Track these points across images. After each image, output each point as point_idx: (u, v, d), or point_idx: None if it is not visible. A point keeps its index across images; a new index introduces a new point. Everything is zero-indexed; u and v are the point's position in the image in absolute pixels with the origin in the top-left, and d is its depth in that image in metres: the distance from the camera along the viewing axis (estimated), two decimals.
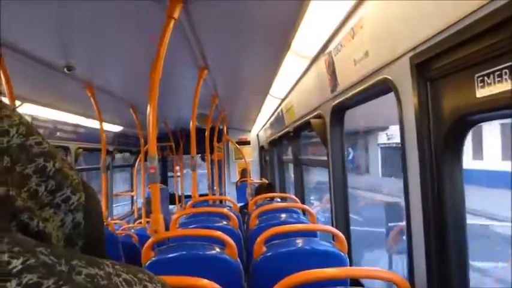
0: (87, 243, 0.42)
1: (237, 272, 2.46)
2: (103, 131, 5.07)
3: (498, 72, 1.18)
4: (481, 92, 1.26)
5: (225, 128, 8.48)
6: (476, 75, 1.27)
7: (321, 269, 1.85)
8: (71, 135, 5.85)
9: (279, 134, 6.45)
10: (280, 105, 5.63)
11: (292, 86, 4.31)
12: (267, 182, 7.07)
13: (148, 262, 2.40)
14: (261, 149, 10.20)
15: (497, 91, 1.19)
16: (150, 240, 2.46)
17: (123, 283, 0.34)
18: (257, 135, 10.41)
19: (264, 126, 8.56)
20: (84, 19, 2.51)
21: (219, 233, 2.58)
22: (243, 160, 8.40)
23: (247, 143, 10.45)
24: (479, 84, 1.27)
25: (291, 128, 5.15)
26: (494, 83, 1.20)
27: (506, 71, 1.15)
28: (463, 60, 1.32)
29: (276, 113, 6.30)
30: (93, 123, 5.70)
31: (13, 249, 0.30)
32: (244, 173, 8.99)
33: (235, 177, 10.30)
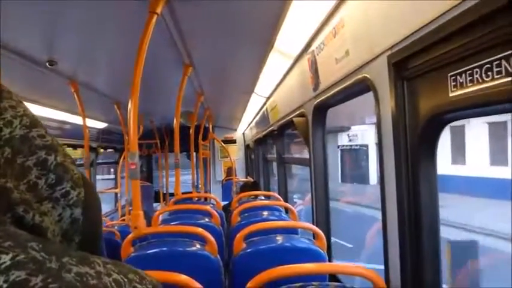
0: (84, 240, 0.41)
1: (217, 268, 2.47)
2: (86, 127, 5.02)
3: (470, 72, 1.20)
4: (454, 91, 1.29)
5: (210, 126, 8.46)
6: (449, 74, 1.30)
7: (298, 265, 1.87)
8: (55, 132, 5.78)
9: (264, 133, 6.46)
10: (265, 103, 5.65)
11: (276, 84, 4.32)
12: (252, 180, 7.08)
13: (128, 258, 2.39)
14: (247, 147, 10.21)
15: (469, 90, 1.21)
16: (129, 236, 2.46)
17: (113, 283, 0.34)
18: (243, 133, 10.41)
19: (249, 124, 8.57)
20: (67, 13, 2.49)
21: (199, 230, 2.58)
22: (229, 159, 8.40)
23: (233, 141, 10.45)
24: (452, 84, 1.29)
25: (275, 127, 5.17)
26: (466, 82, 1.22)
27: (477, 70, 1.17)
28: (436, 59, 1.35)
29: (261, 112, 6.31)
30: (77, 120, 5.65)
31: (4, 244, 0.30)
32: (230, 171, 8.99)
33: (221, 175, 10.29)
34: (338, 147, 19.66)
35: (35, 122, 0.39)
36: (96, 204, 0.44)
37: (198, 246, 2.54)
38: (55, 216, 0.38)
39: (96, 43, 3.21)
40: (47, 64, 3.41)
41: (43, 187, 0.38)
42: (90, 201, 0.42)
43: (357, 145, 20.04)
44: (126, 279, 0.35)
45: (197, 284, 1.81)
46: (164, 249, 2.54)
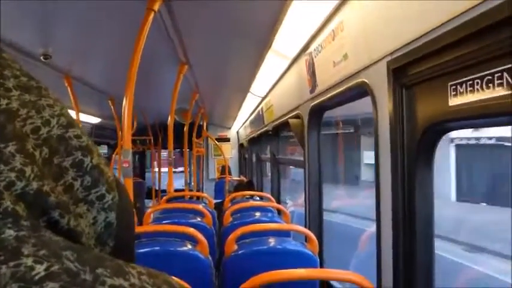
0: (118, 245, 0.40)
1: (208, 269, 2.46)
2: (79, 122, 4.99)
3: (470, 82, 1.19)
4: (454, 101, 1.27)
5: (204, 124, 8.44)
6: (450, 83, 1.28)
7: (290, 270, 1.86)
8: None
9: (258, 133, 6.44)
10: (260, 103, 5.63)
11: (272, 85, 4.31)
12: (245, 179, 7.06)
13: None
14: (241, 146, 10.18)
15: (469, 100, 1.20)
16: None
17: None
18: (237, 132, 10.39)
19: (244, 123, 8.55)
20: (63, 7, 2.46)
21: (191, 230, 2.56)
22: (222, 157, 8.38)
23: (227, 140, 10.43)
24: (452, 93, 1.28)
25: (270, 127, 5.15)
26: (466, 92, 1.21)
27: (478, 81, 1.16)
28: (437, 68, 1.33)
29: (256, 111, 6.29)
30: (71, 114, 5.61)
31: (38, 253, 0.28)
32: (223, 169, 8.97)
33: (214, 173, 10.26)
34: (452, 141, 11.73)
35: (71, 122, 0.39)
36: (129, 209, 0.43)
37: (189, 246, 2.52)
38: (90, 219, 0.38)
39: (92, 38, 3.18)
40: (42, 58, 3.38)
41: (79, 189, 0.37)
42: (123, 206, 0.41)
43: (490, 138, 11.40)
44: None
45: (187, 286, 1.78)
46: (155, 248, 2.51)
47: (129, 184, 2.53)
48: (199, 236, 2.49)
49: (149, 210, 3.74)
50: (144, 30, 2.39)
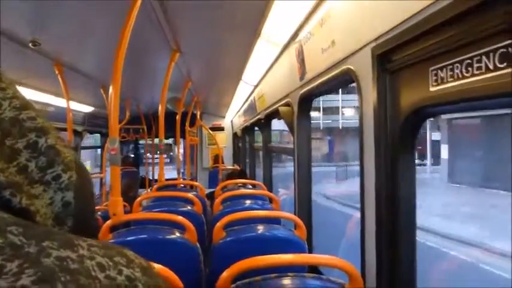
0: (77, 224, 0.40)
1: (195, 256, 2.46)
2: (70, 110, 4.96)
3: (450, 67, 1.19)
4: (435, 86, 1.27)
5: (198, 113, 8.41)
6: (431, 68, 1.28)
7: (276, 255, 1.86)
8: None
9: (251, 121, 6.43)
10: (252, 92, 5.61)
11: (264, 73, 4.29)
12: (239, 168, 7.06)
13: None
14: (235, 135, 10.16)
15: (449, 85, 1.20)
16: (107, 223, 2.43)
17: (95, 267, 0.32)
18: (231, 121, 10.36)
19: (237, 112, 8.52)
20: None
21: (178, 217, 2.56)
22: (216, 146, 8.37)
23: (221, 129, 10.39)
24: (433, 78, 1.28)
25: (262, 115, 5.15)
26: (447, 77, 1.21)
27: (458, 65, 1.16)
28: (419, 53, 1.33)
29: (248, 100, 6.28)
30: (63, 103, 5.58)
31: None
32: (216, 159, 8.96)
33: (208, 162, 10.25)
34: None
35: (25, 104, 0.39)
36: (88, 188, 0.44)
37: (177, 233, 2.52)
38: (46, 199, 0.38)
39: (82, 24, 3.14)
40: (30, 45, 3.34)
41: (34, 170, 0.37)
42: (82, 185, 0.41)
43: None
44: (111, 263, 0.34)
45: (170, 273, 1.78)
46: (142, 236, 2.51)
47: (116, 171, 2.52)
48: (187, 223, 2.49)
49: (138, 198, 3.73)
50: (131, 17, 2.36)
